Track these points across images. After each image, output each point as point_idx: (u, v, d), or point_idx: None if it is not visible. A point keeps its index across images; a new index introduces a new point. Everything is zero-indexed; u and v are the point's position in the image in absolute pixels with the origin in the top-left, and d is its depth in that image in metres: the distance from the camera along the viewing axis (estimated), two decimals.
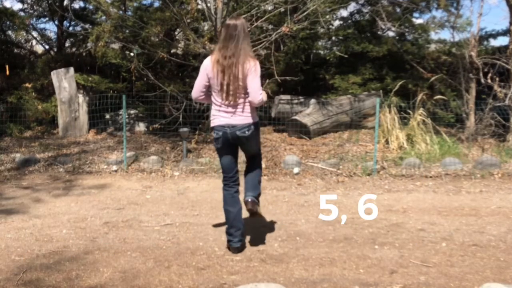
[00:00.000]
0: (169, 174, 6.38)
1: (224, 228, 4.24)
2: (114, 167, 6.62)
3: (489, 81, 7.57)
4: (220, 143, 3.68)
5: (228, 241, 3.70)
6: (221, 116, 3.62)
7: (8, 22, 9.71)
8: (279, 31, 7.31)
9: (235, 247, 3.66)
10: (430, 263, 3.43)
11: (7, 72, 9.65)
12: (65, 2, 10.05)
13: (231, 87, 3.49)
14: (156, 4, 9.82)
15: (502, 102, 7.46)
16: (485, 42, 9.62)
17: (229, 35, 3.53)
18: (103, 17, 8.85)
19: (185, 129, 7.10)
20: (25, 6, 10.56)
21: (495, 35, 9.70)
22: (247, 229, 4.22)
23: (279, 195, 5.44)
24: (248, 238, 3.99)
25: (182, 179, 6.20)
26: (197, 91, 3.70)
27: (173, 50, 9.60)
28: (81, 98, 8.70)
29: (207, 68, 3.58)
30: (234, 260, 3.51)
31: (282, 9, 7.46)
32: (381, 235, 4.06)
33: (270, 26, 7.74)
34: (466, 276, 3.21)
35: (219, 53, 3.55)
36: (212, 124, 3.69)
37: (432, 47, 9.80)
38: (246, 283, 3.03)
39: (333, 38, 10.15)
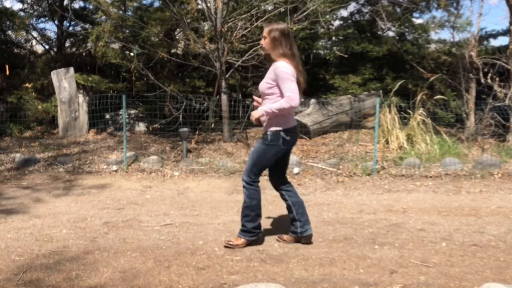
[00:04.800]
0: (169, 174, 6.38)
1: (222, 227, 4.25)
2: (114, 167, 6.62)
3: (489, 81, 7.57)
4: (290, 144, 3.71)
5: (306, 230, 3.79)
6: (293, 118, 3.73)
7: (8, 22, 9.71)
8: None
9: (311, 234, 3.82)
10: (430, 263, 3.43)
11: (7, 72, 9.65)
12: (65, 2, 10.06)
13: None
14: (156, 4, 9.84)
15: (502, 102, 7.46)
16: (485, 42, 9.63)
17: (293, 40, 3.69)
18: (103, 17, 8.85)
19: (185, 129, 7.10)
20: (25, 6, 10.58)
21: (495, 35, 9.71)
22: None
23: (279, 195, 5.43)
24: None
25: (182, 179, 6.20)
26: (298, 97, 3.53)
27: (173, 50, 9.61)
28: (81, 98, 8.70)
29: (294, 74, 3.55)
30: (234, 260, 3.51)
31: (282, 9, 7.46)
32: (381, 235, 4.06)
33: None
34: (466, 276, 3.21)
35: (295, 60, 3.60)
36: (289, 125, 3.63)
37: (432, 47, 9.81)
38: (246, 283, 3.02)
39: (333, 38, 10.16)
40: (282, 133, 3.60)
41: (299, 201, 3.83)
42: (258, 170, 3.70)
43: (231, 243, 3.75)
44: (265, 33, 3.69)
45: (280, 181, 3.86)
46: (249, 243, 3.75)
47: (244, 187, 3.72)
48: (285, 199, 3.84)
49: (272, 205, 5.05)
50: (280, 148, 3.66)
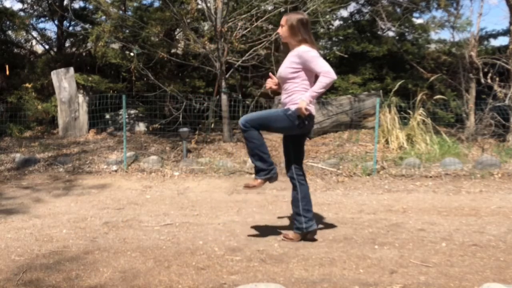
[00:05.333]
0: (169, 174, 6.38)
1: (222, 227, 4.25)
2: (114, 167, 6.62)
3: (489, 81, 7.58)
4: (304, 130, 3.74)
5: (311, 226, 3.79)
6: (313, 108, 3.73)
7: (8, 22, 9.71)
8: (279, 31, 7.30)
9: (316, 229, 3.83)
10: (430, 263, 3.42)
11: (7, 72, 9.66)
12: (65, 2, 10.05)
13: None
14: (156, 4, 9.84)
15: (502, 102, 7.47)
16: (486, 42, 9.63)
17: (310, 30, 3.69)
18: (103, 17, 8.86)
19: (185, 129, 7.11)
20: (25, 6, 10.58)
21: (495, 35, 9.71)
22: (247, 229, 4.22)
23: (279, 195, 5.44)
24: (248, 238, 3.99)
25: (182, 179, 6.20)
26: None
27: (173, 50, 9.60)
28: (81, 98, 8.70)
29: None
30: (234, 260, 3.50)
31: (282, 9, 7.46)
32: (381, 235, 4.06)
33: (270, 26, 7.75)
34: (466, 276, 3.20)
35: (315, 47, 3.64)
36: (311, 112, 3.66)
37: (432, 47, 9.81)
38: (246, 283, 3.02)
39: (333, 38, 10.15)
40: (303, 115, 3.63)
41: (308, 197, 3.82)
42: (257, 124, 3.69)
43: (249, 184, 3.76)
44: (282, 21, 3.73)
45: (297, 170, 3.84)
46: (265, 181, 3.73)
47: (242, 130, 3.72)
48: (296, 191, 3.84)
49: (272, 205, 5.06)
50: (292, 127, 3.65)
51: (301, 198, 3.79)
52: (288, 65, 3.66)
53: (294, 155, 3.85)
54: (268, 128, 3.77)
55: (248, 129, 3.67)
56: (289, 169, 3.86)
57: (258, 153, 3.70)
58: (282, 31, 3.73)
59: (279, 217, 4.59)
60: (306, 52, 3.57)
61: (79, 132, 8.59)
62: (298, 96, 3.62)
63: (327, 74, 3.49)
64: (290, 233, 3.91)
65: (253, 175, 3.81)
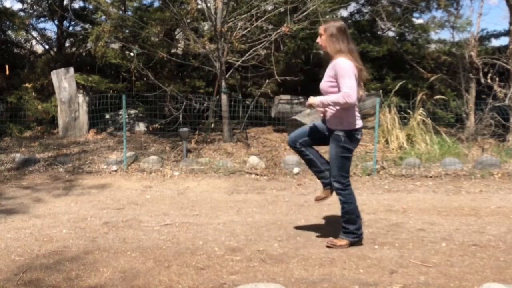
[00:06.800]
0: (169, 174, 6.38)
1: (222, 227, 4.25)
2: (114, 167, 6.62)
3: (489, 81, 7.58)
4: (357, 145, 3.73)
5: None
6: (359, 118, 3.69)
7: (8, 22, 9.71)
8: (279, 31, 7.31)
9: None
10: (430, 263, 3.43)
11: (7, 72, 9.66)
12: (65, 2, 10.05)
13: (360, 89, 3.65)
14: (156, 4, 9.84)
15: (502, 102, 7.47)
16: (486, 42, 9.62)
17: (350, 36, 3.63)
18: (103, 17, 8.86)
19: (185, 129, 7.11)
20: (25, 6, 10.56)
21: (496, 35, 9.70)
22: (247, 229, 4.23)
23: (279, 195, 5.45)
24: (248, 238, 3.99)
25: (182, 179, 6.20)
26: (356, 94, 3.48)
27: (173, 50, 9.60)
28: (81, 98, 8.70)
29: (354, 69, 3.52)
30: (234, 260, 3.51)
31: (282, 9, 7.46)
32: (381, 235, 4.06)
33: (270, 26, 7.75)
34: (466, 276, 3.21)
35: (353, 55, 3.57)
36: (358, 126, 3.64)
37: (432, 47, 9.80)
38: (246, 283, 3.02)
39: None
40: (353, 132, 3.63)
41: (319, 156, 3.87)
42: (345, 173, 3.68)
43: (334, 243, 3.75)
44: (321, 30, 3.67)
45: (305, 145, 3.87)
46: (351, 244, 3.75)
47: (338, 193, 3.71)
48: (306, 155, 3.85)
49: (272, 205, 5.06)
50: (352, 145, 3.66)
51: (316, 158, 3.84)
52: (326, 79, 3.63)
53: (314, 141, 3.86)
54: (348, 165, 3.72)
55: (346, 188, 3.67)
56: (294, 141, 3.88)
57: (352, 216, 3.71)
58: (322, 40, 3.66)
59: (279, 217, 4.59)
60: (339, 65, 3.49)
61: (79, 132, 8.59)
62: (340, 113, 3.60)
63: (346, 96, 3.43)
64: (320, 193, 3.91)
65: (341, 235, 3.78)
